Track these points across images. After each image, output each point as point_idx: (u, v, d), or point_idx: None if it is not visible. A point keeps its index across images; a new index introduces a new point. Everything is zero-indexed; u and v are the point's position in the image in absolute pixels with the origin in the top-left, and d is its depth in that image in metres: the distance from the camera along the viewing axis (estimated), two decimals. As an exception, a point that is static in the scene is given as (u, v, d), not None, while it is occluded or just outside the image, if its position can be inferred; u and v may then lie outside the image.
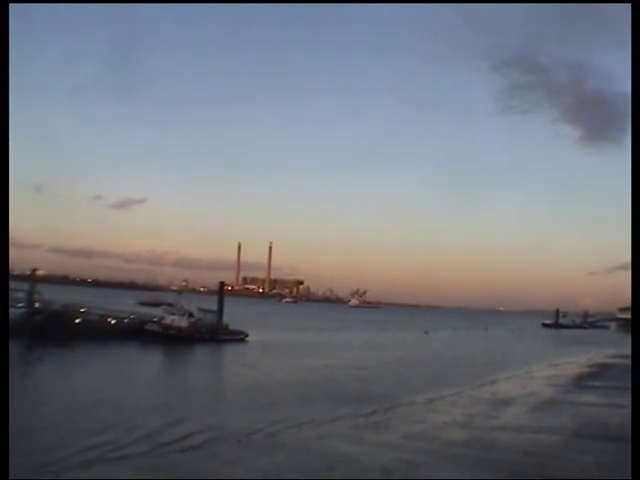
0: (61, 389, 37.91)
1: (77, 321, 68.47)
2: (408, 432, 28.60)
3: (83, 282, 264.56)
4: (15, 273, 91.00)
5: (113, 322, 71.71)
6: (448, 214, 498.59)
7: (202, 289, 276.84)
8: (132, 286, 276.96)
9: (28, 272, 71.71)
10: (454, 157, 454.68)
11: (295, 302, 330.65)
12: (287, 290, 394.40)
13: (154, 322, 73.55)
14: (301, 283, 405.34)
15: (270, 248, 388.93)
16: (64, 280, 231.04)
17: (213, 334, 75.25)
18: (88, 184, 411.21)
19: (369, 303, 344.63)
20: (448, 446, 25.42)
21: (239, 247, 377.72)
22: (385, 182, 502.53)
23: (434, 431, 28.93)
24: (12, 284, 71.20)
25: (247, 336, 79.89)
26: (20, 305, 65.37)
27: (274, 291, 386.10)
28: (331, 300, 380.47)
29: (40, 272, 77.11)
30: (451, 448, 25.04)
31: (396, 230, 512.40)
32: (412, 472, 21.60)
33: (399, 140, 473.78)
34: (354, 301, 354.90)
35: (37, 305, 66.74)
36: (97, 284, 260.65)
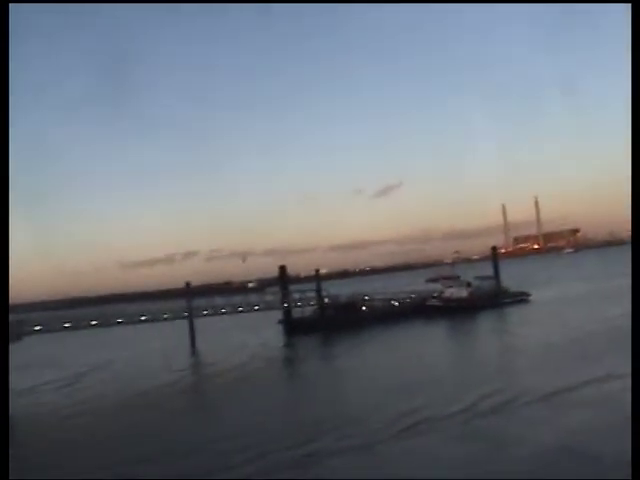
0: (366, 373, 40.58)
1: (363, 309, 73.07)
2: None
3: (362, 272, 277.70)
4: (302, 276, 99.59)
5: (396, 304, 75.16)
6: None
7: (475, 257, 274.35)
8: (407, 267, 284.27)
9: (312, 273, 77.73)
10: None
11: (575, 252, 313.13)
12: (563, 241, 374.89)
13: (434, 297, 75.55)
14: (577, 231, 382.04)
15: (536, 203, 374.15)
16: (344, 274, 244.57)
17: (494, 299, 74.87)
18: (347, 181, 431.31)
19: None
20: None
21: (503, 209, 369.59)
22: None
23: None
24: (301, 286, 78.60)
25: (529, 296, 78.03)
26: (312, 303, 71.66)
27: (549, 245, 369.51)
28: (614, 243, 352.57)
29: (323, 271, 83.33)
30: None
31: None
32: None
33: None
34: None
35: (326, 301, 72.48)
36: (375, 271, 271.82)
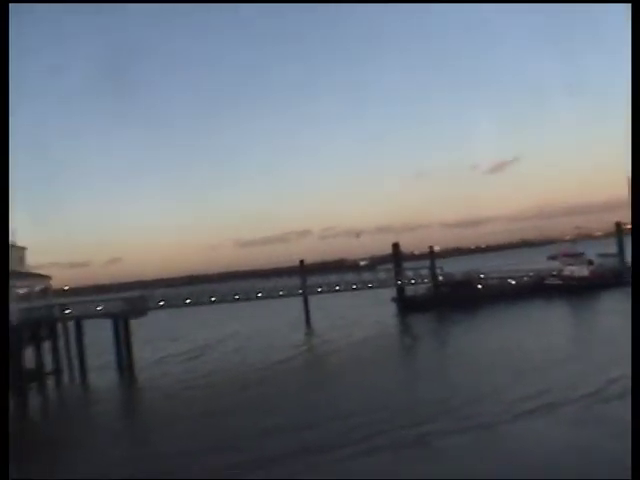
0: (483, 353, 39.70)
1: (478, 287, 71.63)
2: None
3: (477, 249, 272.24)
4: (415, 253, 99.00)
5: (513, 282, 73.17)
6: None
7: (598, 233, 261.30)
8: (524, 244, 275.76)
9: (426, 251, 76.90)
10: None
11: None
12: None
13: (554, 275, 72.93)
14: None
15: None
16: (459, 251, 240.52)
17: (618, 278, 71.16)
18: (462, 156, 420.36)
19: None
20: None
21: (628, 181, 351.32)
22: None
23: None
24: (415, 264, 77.99)
25: (659, 274, 73.56)
26: (426, 281, 70.97)
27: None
28: None
29: (436, 248, 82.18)
30: None
31: None
32: None
33: None
34: None
35: (440, 278, 71.58)
36: (490, 249, 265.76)
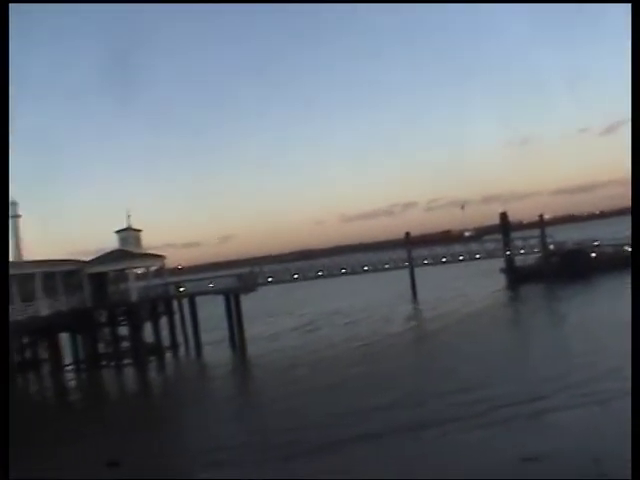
0: (601, 329, 37.31)
1: (592, 255, 68.58)
2: None
3: (590, 216, 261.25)
4: (524, 222, 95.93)
5: (630, 250, 69.56)
6: None
7: None
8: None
9: (535, 219, 74.48)
10: None
11: None
12: None
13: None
14: None
15: None
16: (569, 219, 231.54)
17: None
18: (571, 119, 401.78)
19: None
20: None
21: None
22: None
23: None
24: (523, 233, 75.64)
25: None
26: (536, 250, 68.75)
27: None
28: None
29: (546, 216, 79.30)
30: None
31: None
32: None
33: None
34: None
35: (551, 248, 69.11)
36: (605, 215, 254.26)
